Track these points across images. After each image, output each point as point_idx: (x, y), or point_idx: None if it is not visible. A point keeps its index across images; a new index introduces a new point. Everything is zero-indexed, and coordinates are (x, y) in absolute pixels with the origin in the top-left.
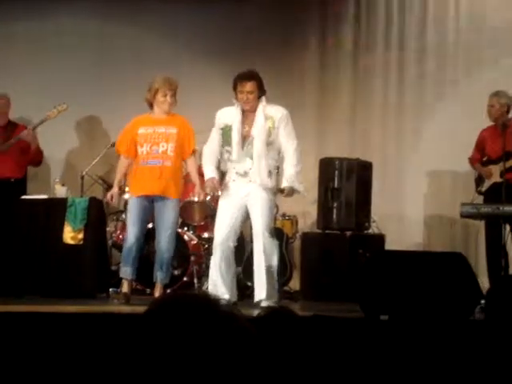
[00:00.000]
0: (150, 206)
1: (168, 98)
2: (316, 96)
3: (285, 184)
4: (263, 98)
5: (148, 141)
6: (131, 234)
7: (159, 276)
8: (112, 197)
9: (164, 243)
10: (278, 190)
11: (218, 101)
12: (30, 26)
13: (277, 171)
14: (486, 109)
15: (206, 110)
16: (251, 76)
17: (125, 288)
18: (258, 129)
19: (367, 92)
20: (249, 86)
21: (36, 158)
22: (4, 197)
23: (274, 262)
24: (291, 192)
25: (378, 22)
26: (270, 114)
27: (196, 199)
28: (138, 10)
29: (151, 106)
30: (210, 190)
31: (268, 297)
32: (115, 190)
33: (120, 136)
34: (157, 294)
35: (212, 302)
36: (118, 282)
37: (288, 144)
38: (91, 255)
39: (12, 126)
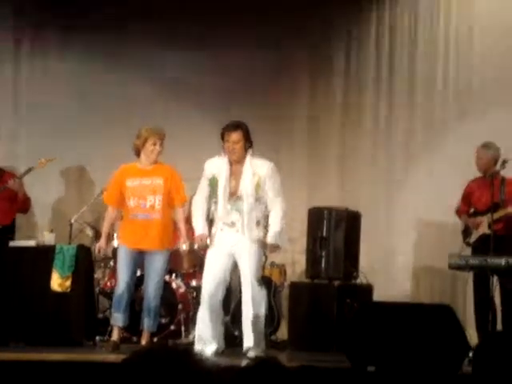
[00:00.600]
0: (139, 255)
1: (157, 146)
2: (305, 146)
3: (269, 240)
4: (250, 151)
5: (135, 194)
6: (122, 281)
7: (146, 323)
8: (100, 250)
9: (152, 291)
10: (262, 243)
11: (205, 148)
12: (18, 69)
13: (266, 220)
14: (473, 160)
15: (192, 158)
16: (237, 126)
17: (114, 336)
18: (246, 185)
19: (356, 143)
20: (234, 135)
21: (24, 205)
22: None
23: (262, 311)
24: (274, 249)
25: (368, 77)
26: (257, 169)
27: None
28: (125, 56)
29: (138, 153)
30: (199, 246)
31: (255, 346)
32: (103, 242)
33: (108, 187)
34: (144, 341)
35: (191, 357)
36: (104, 330)
37: (274, 200)
38: (79, 302)
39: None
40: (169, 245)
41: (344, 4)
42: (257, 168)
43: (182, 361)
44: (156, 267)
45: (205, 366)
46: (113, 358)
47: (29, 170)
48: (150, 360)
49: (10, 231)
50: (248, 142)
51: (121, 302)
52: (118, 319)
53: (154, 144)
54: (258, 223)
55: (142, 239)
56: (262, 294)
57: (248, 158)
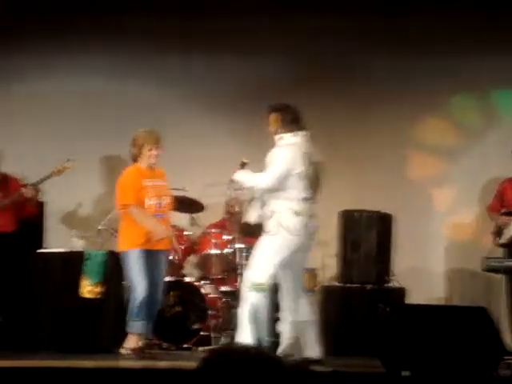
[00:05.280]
0: (149, 255)
1: (154, 151)
2: (342, 148)
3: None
4: (280, 137)
5: (154, 194)
6: (144, 286)
7: (151, 328)
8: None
9: (161, 296)
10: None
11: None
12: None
13: (279, 213)
14: (507, 160)
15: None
16: (270, 108)
17: (137, 342)
18: None
19: (385, 143)
20: (269, 117)
21: (32, 211)
22: (3, 251)
23: (243, 310)
24: (243, 168)
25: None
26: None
27: (213, 252)
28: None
29: (135, 160)
30: None
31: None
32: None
33: (128, 188)
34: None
35: (270, 358)
36: None
37: None
38: (109, 309)
39: (5, 180)
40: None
41: None
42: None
43: (263, 362)
44: (164, 270)
45: (284, 366)
46: (148, 364)
47: (47, 177)
48: (230, 361)
49: (16, 237)
50: (282, 127)
51: (143, 308)
52: (142, 326)
53: (151, 149)
54: (271, 213)
55: (160, 239)
56: (247, 295)
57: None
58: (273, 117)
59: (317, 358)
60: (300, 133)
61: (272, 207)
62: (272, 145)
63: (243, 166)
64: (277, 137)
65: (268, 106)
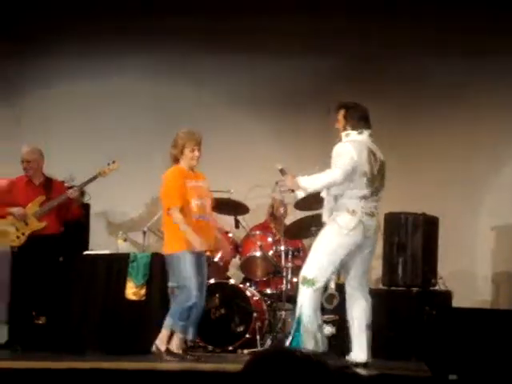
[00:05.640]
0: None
1: (196, 152)
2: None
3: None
4: (346, 133)
5: (198, 195)
6: (196, 289)
7: (194, 332)
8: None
9: (204, 299)
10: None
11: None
12: (89, 85)
13: (339, 212)
14: None
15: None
16: (338, 105)
17: (182, 345)
18: None
19: (432, 144)
20: (337, 114)
21: (77, 213)
22: (50, 252)
23: (299, 309)
24: (285, 173)
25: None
26: None
27: (258, 254)
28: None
29: (176, 161)
30: None
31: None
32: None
33: (171, 192)
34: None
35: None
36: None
37: None
38: (154, 311)
39: (49, 182)
40: None
41: None
42: None
43: (311, 365)
44: (206, 273)
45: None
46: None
47: (91, 179)
48: (275, 364)
49: (57, 240)
50: (347, 124)
51: (193, 311)
52: (188, 330)
53: (192, 150)
54: (330, 211)
55: (208, 241)
56: (302, 292)
57: None
58: (341, 114)
59: (362, 361)
60: (366, 131)
61: (331, 205)
62: (317, 144)
63: (283, 171)
64: (343, 133)
65: (337, 102)
